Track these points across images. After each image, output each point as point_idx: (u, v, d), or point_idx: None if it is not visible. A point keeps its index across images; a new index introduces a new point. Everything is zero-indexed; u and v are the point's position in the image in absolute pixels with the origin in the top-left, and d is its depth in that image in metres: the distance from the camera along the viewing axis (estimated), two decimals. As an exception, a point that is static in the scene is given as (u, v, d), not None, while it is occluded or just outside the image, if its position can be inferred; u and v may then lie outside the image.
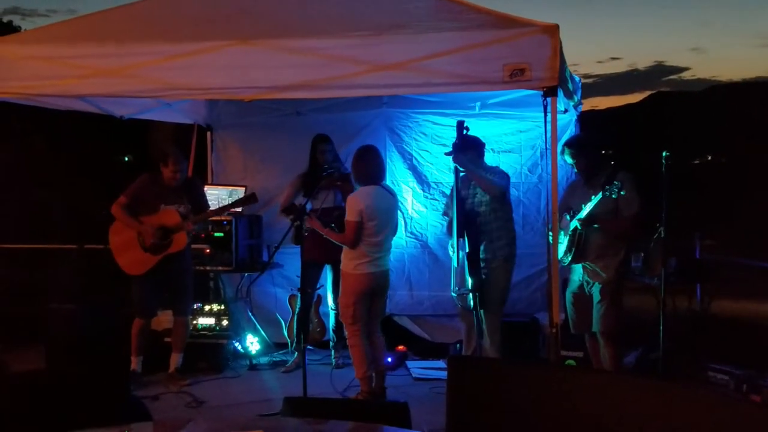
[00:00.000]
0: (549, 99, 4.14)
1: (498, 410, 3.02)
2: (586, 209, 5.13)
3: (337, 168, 6.04)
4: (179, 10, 4.80)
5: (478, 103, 6.57)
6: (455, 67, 4.14)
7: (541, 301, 6.69)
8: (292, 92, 4.35)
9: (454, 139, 5.70)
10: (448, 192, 6.48)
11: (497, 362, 4.18)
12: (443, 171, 6.77)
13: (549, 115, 4.16)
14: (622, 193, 4.93)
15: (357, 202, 5.18)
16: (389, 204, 5.37)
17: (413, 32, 4.22)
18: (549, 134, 4.14)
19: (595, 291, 5.28)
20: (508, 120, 6.63)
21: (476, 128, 6.12)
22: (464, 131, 5.40)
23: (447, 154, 5.92)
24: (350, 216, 5.16)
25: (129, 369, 5.82)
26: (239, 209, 6.37)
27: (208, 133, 7.23)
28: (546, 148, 4.36)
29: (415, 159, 6.89)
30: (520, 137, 6.69)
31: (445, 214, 6.23)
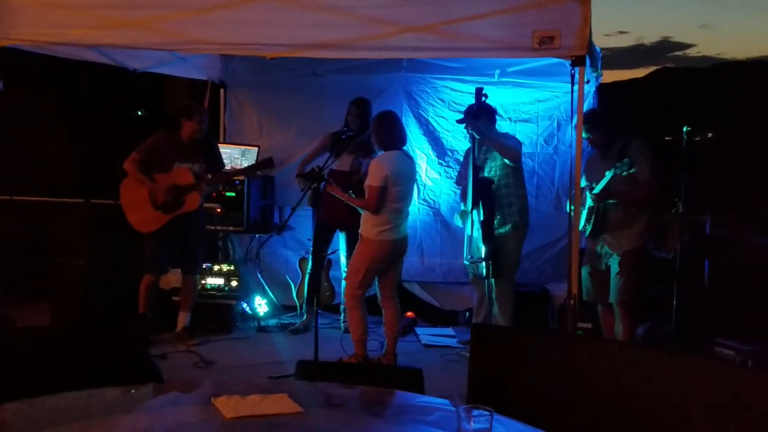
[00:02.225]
0: (576, 69, 4.07)
1: (519, 379, 3.00)
2: (600, 185, 5.12)
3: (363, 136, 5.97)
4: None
5: (498, 71, 6.49)
6: (485, 32, 4.08)
7: (552, 272, 6.68)
8: (317, 51, 4.30)
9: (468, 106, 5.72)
10: (462, 160, 6.42)
11: (520, 331, 4.16)
12: (459, 138, 6.70)
13: (576, 86, 4.09)
14: (632, 170, 4.92)
15: (382, 167, 5.11)
16: (411, 169, 5.35)
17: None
18: (575, 105, 4.07)
19: (614, 262, 5.26)
20: (527, 89, 6.55)
21: (494, 96, 6.09)
22: (483, 98, 5.35)
23: (459, 121, 5.91)
24: (374, 181, 5.09)
25: (148, 327, 5.79)
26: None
27: (222, 90, 7.12)
28: (572, 119, 4.32)
29: (432, 125, 6.80)
30: (537, 107, 6.61)
31: (458, 183, 6.19)
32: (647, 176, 5.03)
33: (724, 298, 5.94)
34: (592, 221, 5.25)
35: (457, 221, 5.85)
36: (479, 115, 5.59)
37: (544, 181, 6.63)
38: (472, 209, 5.49)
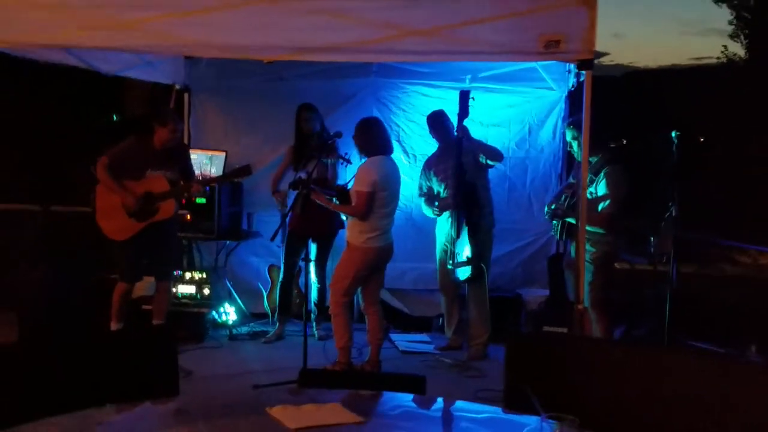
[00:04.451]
0: (583, 73, 4.10)
1: (555, 384, 3.00)
2: (562, 202, 5.30)
3: (324, 138, 5.92)
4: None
5: (469, 76, 6.52)
6: (490, 36, 4.05)
7: (523, 277, 6.74)
8: (318, 55, 4.21)
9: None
10: (422, 171, 6.38)
11: (556, 337, 4.16)
12: (431, 143, 6.67)
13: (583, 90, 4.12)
14: (599, 194, 5.10)
15: (371, 172, 5.07)
16: (398, 174, 5.35)
17: (445, -2, 4.11)
18: (583, 111, 4.10)
19: (586, 268, 5.34)
20: (499, 94, 6.59)
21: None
22: (470, 101, 5.38)
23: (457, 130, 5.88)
24: (363, 186, 5.04)
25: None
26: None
27: (186, 95, 6.92)
28: (581, 124, 4.35)
29: (402, 131, 6.78)
30: (509, 112, 6.66)
31: (421, 195, 6.16)
32: (609, 211, 5.14)
33: (694, 301, 6.11)
34: (559, 226, 5.38)
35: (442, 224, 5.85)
36: (463, 120, 5.67)
37: (516, 185, 6.69)
38: (458, 211, 5.51)
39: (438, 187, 5.91)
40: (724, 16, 19.37)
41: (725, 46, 18.50)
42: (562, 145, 6.64)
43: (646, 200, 5.58)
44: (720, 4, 17.90)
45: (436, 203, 5.88)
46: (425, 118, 6.64)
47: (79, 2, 4.18)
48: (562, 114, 6.64)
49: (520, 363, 3.10)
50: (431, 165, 6.02)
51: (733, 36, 18.07)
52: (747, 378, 2.64)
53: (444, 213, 5.82)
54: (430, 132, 5.96)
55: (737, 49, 18.12)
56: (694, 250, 6.61)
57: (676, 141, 5.05)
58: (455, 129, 5.56)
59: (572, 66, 5.82)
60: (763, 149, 13.43)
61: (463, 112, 5.44)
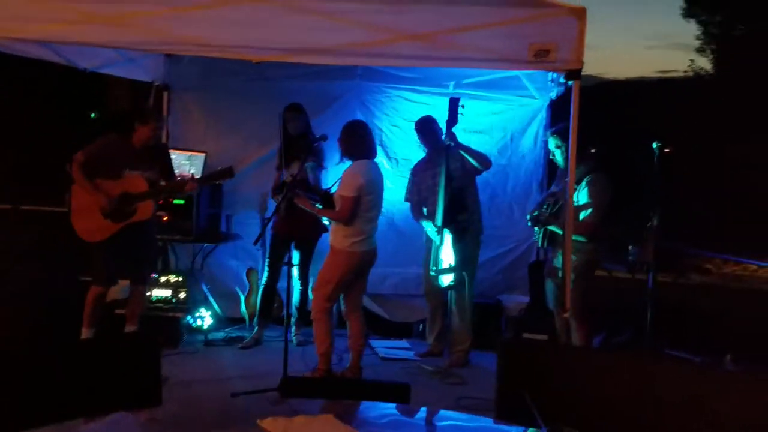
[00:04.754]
0: (572, 82, 4.10)
1: (546, 391, 2.98)
2: (545, 210, 5.32)
3: (309, 140, 5.86)
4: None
5: (453, 82, 6.53)
6: (482, 43, 4.04)
7: (504, 283, 6.74)
8: (309, 56, 4.15)
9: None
10: (411, 176, 6.37)
11: (548, 345, 4.14)
12: (413, 148, 6.65)
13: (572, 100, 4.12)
14: (580, 202, 5.12)
15: (356, 176, 5.02)
16: (382, 179, 5.31)
17: (436, 3, 4.08)
18: (571, 121, 4.10)
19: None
20: (482, 101, 6.60)
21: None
22: (460, 108, 5.37)
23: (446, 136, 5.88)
24: (348, 191, 4.99)
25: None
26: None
27: (165, 94, 6.81)
28: (564, 132, 4.37)
29: (386, 135, 6.75)
30: (492, 119, 6.66)
31: (408, 200, 6.15)
32: (591, 220, 5.15)
33: (671, 309, 6.15)
34: (541, 234, 5.39)
35: (432, 235, 5.82)
36: (452, 126, 5.68)
37: (497, 192, 6.68)
38: (444, 219, 5.49)
39: (426, 193, 5.89)
40: (690, 30, 19.66)
41: (692, 60, 18.84)
42: (543, 153, 6.67)
43: (628, 209, 5.60)
44: (688, 19, 18.18)
45: (425, 210, 5.86)
46: (409, 123, 6.66)
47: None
48: (544, 122, 6.67)
49: (512, 370, 3.07)
50: (419, 170, 6.00)
51: (700, 50, 18.38)
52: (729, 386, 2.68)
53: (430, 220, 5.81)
54: (419, 137, 5.93)
55: (704, 63, 18.45)
56: (670, 259, 6.66)
57: (657, 152, 5.07)
58: (443, 135, 5.55)
59: (555, 75, 5.83)
60: (733, 160, 13.68)
61: (452, 119, 5.44)
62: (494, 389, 2.94)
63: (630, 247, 5.95)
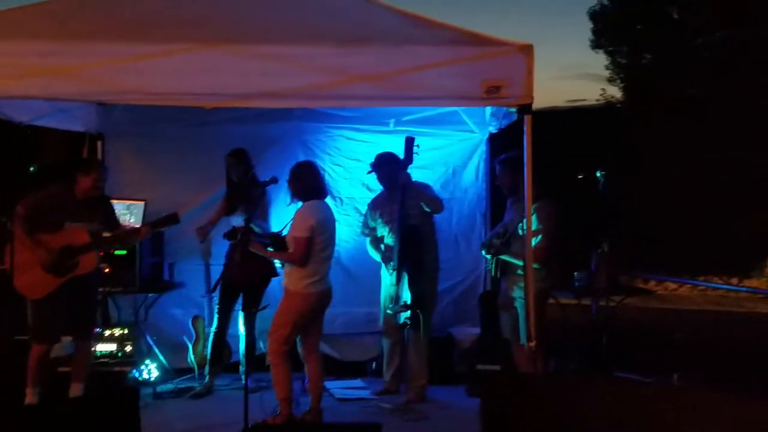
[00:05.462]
0: (524, 117, 4.21)
1: (531, 422, 3.03)
2: (495, 241, 5.44)
3: (250, 185, 5.82)
4: (125, 9, 4.40)
5: (393, 120, 6.60)
6: (435, 81, 4.10)
7: (454, 316, 6.78)
8: (265, 101, 4.14)
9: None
10: (362, 208, 6.43)
11: (531, 377, 4.17)
12: (357, 186, 6.71)
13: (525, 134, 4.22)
14: (521, 233, 5.17)
15: (307, 217, 5.00)
16: (333, 218, 5.30)
17: (389, 44, 4.15)
18: (525, 152, 4.20)
19: (519, 305, 5.45)
20: (422, 137, 6.60)
21: (390, 145, 6.17)
22: (415, 147, 5.45)
23: (369, 173, 5.98)
24: (300, 232, 4.97)
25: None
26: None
27: (99, 143, 6.65)
28: (511, 162, 4.46)
29: (328, 174, 6.72)
30: (433, 154, 6.73)
31: (364, 233, 6.18)
32: (542, 245, 5.27)
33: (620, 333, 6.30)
34: (494, 264, 5.48)
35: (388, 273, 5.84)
36: (387, 165, 5.75)
37: (442, 226, 6.70)
38: (400, 257, 5.52)
39: (382, 230, 5.91)
40: (600, 61, 20.43)
41: (603, 89, 19.54)
42: (485, 185, 6.78)
43: (578, 236, 5.75)
44: (597, 50, 18.87)
45: (382, 246, 5.88)
46: (351, 161, 6.75)
47: (11, 48, 3.97)
48: (484, 156, 6.79)
49: (497, 405, 3.10)
50: (377, 206, 6.02)
51: (610, 80, 19.09)
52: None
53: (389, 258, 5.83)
54: (377, 174, 5.94)
55: (614, 92, 19.16)
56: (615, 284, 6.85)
57: (601, 179, 5.23)
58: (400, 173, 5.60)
59: (495, 110, 5.98)
60: (644, 185, 14.21)
61: (408, 157, 5.51)
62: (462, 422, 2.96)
63: (575, 273, 6.09)
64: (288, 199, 5.32)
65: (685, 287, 12.92)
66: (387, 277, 5.90)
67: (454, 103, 4.32)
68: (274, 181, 5.27)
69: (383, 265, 5.93)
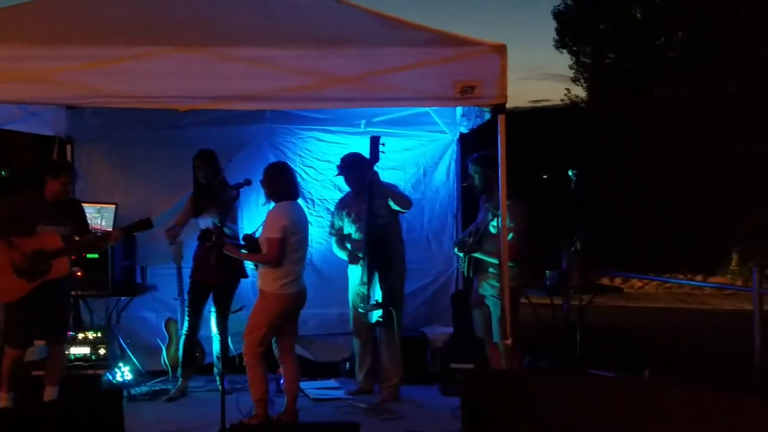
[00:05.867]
0: (499, 116, 4.27)
1: (511, 418, 3.08)
2: (468, 239, 5.49)
3: (216, 186, 5.82)
4: (96, 13, 4.39)
5: (364, 121, 6.63)
6: (410, 83, 4.16)
7: (426, 316, 6.83)
8: (241, 103, 4.18)
9: (342, 156, 6.07)
10: (333, 209, 6.45)
11: (510, 374, 4.23)
12: (328, 188, 6.73)
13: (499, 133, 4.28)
14: (493, 231, 5.27)
15: (279, 218, 5.02)
16: (306, 219, 5.33)
17: (365, 46, 4.19)
18: (499, 151, 4.26)
19: (491, 303, 5.52)
20: (393, 138, 6.65)
21: (360, 146, 6.19)
22: (380, 146, 5.48)
23: (337, 175, 6.02)
24: (273, 233, 4.98)
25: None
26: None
27: (69, 147, 6.60)
28: (485, 160, 4.51)
29: (299, 176, 6.74)
30: (404, 155, 6.77)
31: (332, 234, 6.21)
32: (514, 242, 5.33)
33: (590, 330, 6.40)
34: (467, 263, 5.54)
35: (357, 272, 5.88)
36: (359, 167, 5.79)
37: (414, 226, 6.78)
38: (368, 257, 5.54)
39: (350, 229, 5.94)
40: (564, 61, 20.68)
41: (568, 89, 19.75)
42: (456, 185, 6.84)
43: (549, 235, 5.83)
44: (561, 50, 19.09)
45: (349, 245, 5.91)
46: (322, 163, 6.75)
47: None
48: (455, 156, 6.85)
49: (476, 402, 3.15)
50: (345, 205, 6.06)
51: (574, 79, 19.31)
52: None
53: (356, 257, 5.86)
54: (344, 176, 5.98)
55: (579, 92, 19.39)
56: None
57: (573, 178, 5.31)
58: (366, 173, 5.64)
59: (466, 110, 6.04)
60: (610, 185, 14.40)
61: (374, 156, 5.54)
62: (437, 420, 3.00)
63: (547, 272, 6.18)
64: (259, 200, 5.34)
65: (650, 285, 13.13)
66: (355, 277, 5.93)
67: (429, 103, 4.37)
68: (248, 183, 5.27)
69: (349, 265, 5.96)
